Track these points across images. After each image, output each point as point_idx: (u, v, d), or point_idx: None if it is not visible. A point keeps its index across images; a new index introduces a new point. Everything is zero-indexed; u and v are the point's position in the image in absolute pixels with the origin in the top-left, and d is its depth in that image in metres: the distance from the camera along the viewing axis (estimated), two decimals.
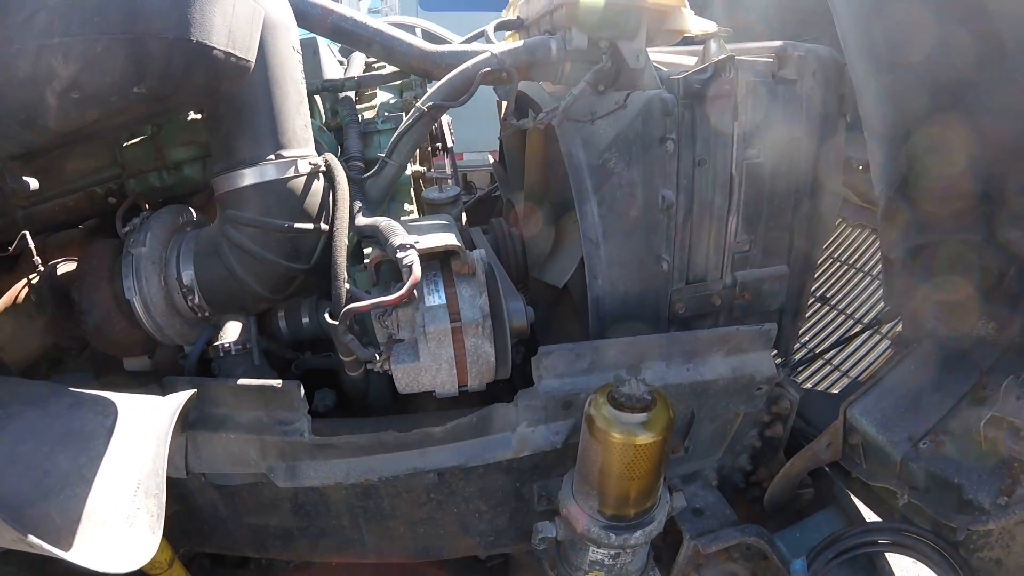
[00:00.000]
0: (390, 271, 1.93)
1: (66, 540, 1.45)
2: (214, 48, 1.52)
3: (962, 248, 2.08)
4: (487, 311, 1.81)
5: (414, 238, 1.76)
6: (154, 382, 2.16)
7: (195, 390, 1.79)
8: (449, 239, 1.80)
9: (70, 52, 1.38)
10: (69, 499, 1.52)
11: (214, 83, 1.65)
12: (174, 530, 2.20)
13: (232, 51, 1.59)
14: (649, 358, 2.06)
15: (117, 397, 1.78)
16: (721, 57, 2.09)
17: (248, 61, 1.69)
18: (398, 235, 1.75)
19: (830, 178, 2.27)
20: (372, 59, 2.46)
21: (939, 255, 2.10)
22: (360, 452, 1.93)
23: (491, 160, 3.17)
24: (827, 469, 2.45)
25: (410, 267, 1.69)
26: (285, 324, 2.15)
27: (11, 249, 2.35)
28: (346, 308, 1.70)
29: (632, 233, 2.08)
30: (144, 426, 1.71)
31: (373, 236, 1.86)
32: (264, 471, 1.98)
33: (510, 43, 2.16)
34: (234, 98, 1.87)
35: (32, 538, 1.36)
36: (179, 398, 1.75)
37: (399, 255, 1.71)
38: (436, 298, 1.80)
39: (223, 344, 2.07)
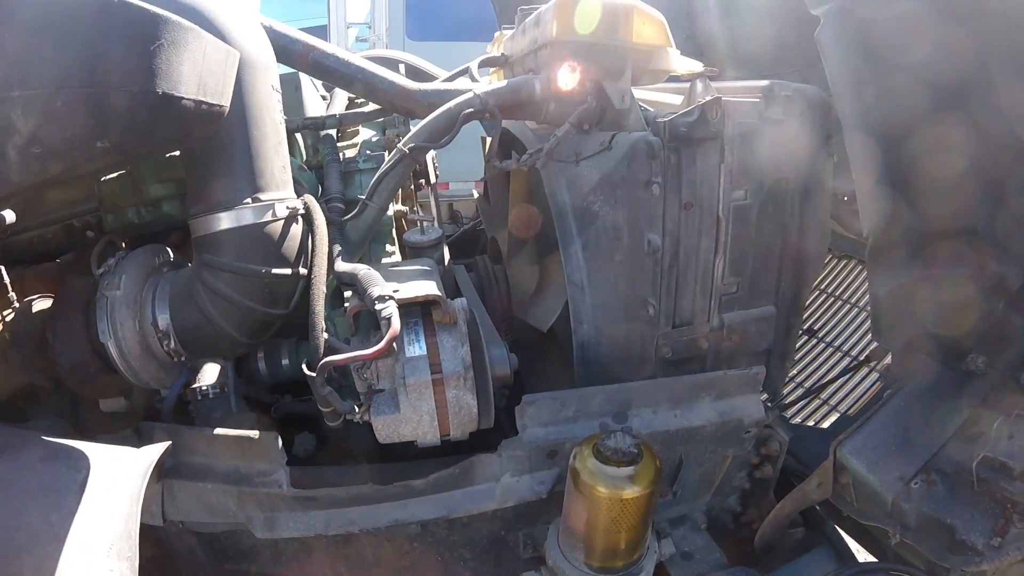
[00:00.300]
0: (370, 318, 1.82)
1: None
2: (183, 98, 1.40)
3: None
4: (469, 362, 1.70)
5: (393, 287, 1.65)
6: (130, 424, 2.05)
7: (169, 443, 1.67)
8: (430, 288, 1.70)
9: (29, 106, 1.26)
10: (41, 558, 1.41)
11: (184, 132, 1.54)
12: (153, 574, 2.08)
13: (203, 99, 1.47)
14: (636, 405, 1.96)
15: (90, 448, 1.67)
16: (708, 99, 1.99)
17: (221, 107, 1.57)
18: (376, 285, 1.64)
19: (817, 218, 2.17)
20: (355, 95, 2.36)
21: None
22: (340, 504, 1.82)
23: (476, 191, 3.07)
24: (818, 508, 2.36)
25: (388, 320, 1.58)
26: (265, 366, 2.04)
27: None
28: (323, 361, 1.59)
29: (617, 277, 1.98)
30: (117, 482, 1.60)
31: (352, 284, 1.75)
32: (242, 521, 1.87)
33: (494, 82, 2.06)
34: (211, 139, 1.75)
35: None
36: (152, 452, 1.63)
37: (378, 307, 1.60)
38: (416, 348, 1.69)
39: (200, 387, 1.96)
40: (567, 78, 1.96)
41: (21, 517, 1.48)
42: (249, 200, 1.77)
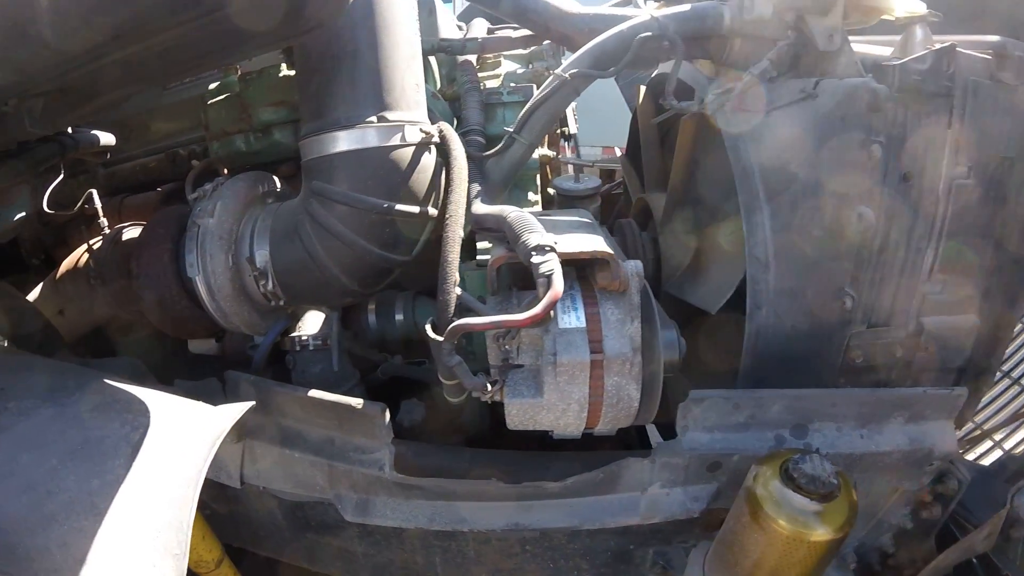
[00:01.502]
0: (510, 274, 1.27)
1: None
2: None
3: None
4: (638, 343, 1.12)
5: (552, 238, 1.10)
6: (219, 372, 1.56)
7: (251, 404, 1.16)
8: (598, 243, 1.12)
9: None
10: (73, 533, 0.97)
11: (294, 9, 1.00)
12: (226, 528, 1.60)
13: None
14: (819, 418, 1.35)
15: (154, 401, 1.17)
16: (940, 46, 1.37)
17: None
18: (534, 232, 1.08)
19: None
20: (496, 25, 1.80)
21: None
22: (450, 497, 1.28)
23: (606, 155, 2.48)
24: (975, 561, 1.74)
25: (548, 278, 1.02)
26: (375, 320, 1.51)
27: (83, 208, 1.78)
28: (456, 323, 1.04)
29: (811, 257, 1.37)
30: (177, 453, 1.10)
31: (496, 229, 1.20)
32: (331, 499, 1.36)
33: (671, 8, 1.47)
34: (330, 43, 1.21)
35: None
36: (226, 416, 1.12)
37: (535, 259, 1.04)
38: (573, 319, 1.12)
39: (300, 337, 1.44)
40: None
41: (55, 479, 1.03)
42: (374, 119, 1.23)
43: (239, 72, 1.66)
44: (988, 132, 1.41)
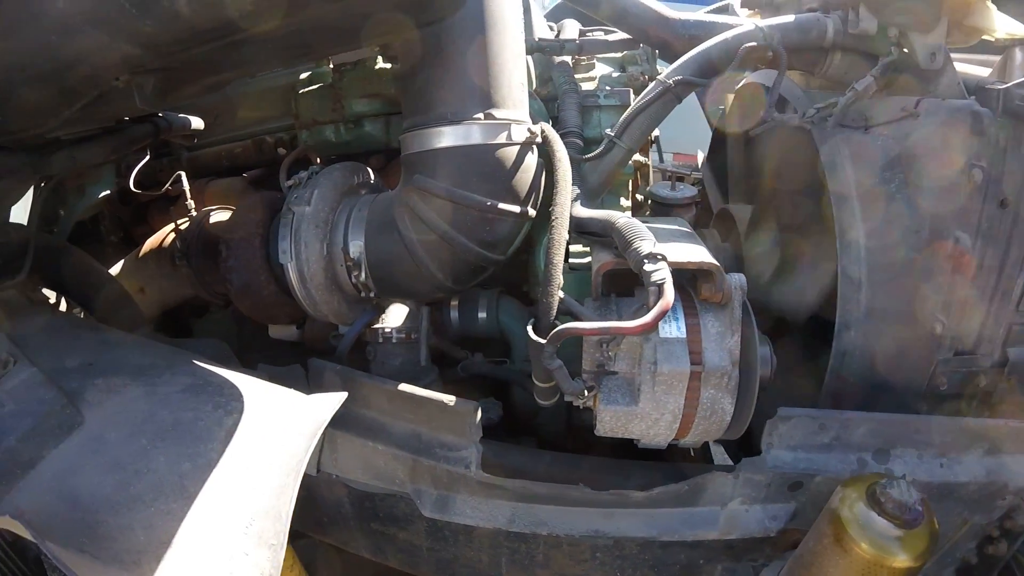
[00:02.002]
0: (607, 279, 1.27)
1: (147, 566, 0.89)
2: None
3: None
4: (736, 357, 1.12)
5: (661, 247, 1.09)
6: (297, 356, 1.58)
7: (345, 394, 1.17)
8: (704, 254, 1.12)
9: None
10: (160, 515, 0.94)
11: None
12: (292, 515, 1.62)
13: None
14: (902, 444, 1.33)
15: (248, 387, 1.16)
16: None
17: None
18: (645, 239, 1.08)
19: None
20: (587, 27, 1.80)
21: None
22: (532, 499, 1.28)
23: (681, 162, 2.46)
24: None
25: (660, 287, 1.02)
26: (457, 316, 1.52)
27: (166, 189, 1.81)
28: (563, 327, 1.04)
29: (905, 279, 1.35)
30: (275, 440, 1.10)
31: (599, 233, 1.20)
32: (409, 493, 1.36)
33: (775, 18, 1.45)
34: (440, 38, 1.22)
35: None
36: (326, 407, 1.12)
37: (647, 267, 1.03)
38: (674, 328, 1.12)
39: (384, 329, 1.46)
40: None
41: (145, 459, 1.01)
42: (480, 116, 1.24)
43: (331, 64, 1.68)
44: None
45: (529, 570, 1.49)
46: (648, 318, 1.01)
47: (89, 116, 1.31)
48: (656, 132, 1.91)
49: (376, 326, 1.44)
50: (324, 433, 1.40)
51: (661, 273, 1.03)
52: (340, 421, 1.39)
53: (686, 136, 2.22)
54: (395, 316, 1.45)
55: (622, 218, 1.14)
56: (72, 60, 0.92)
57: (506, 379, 1.49)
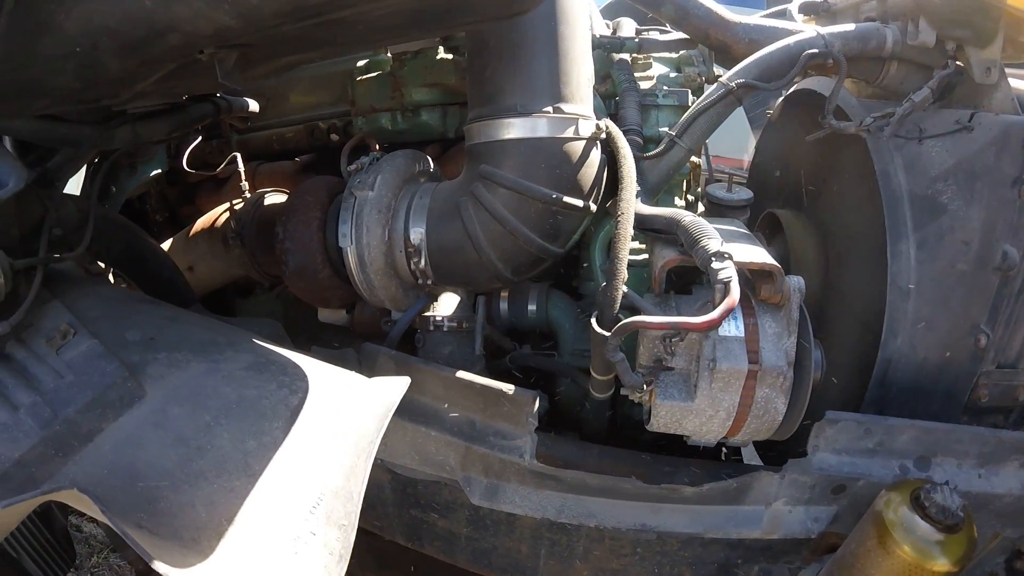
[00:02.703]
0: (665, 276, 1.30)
1: (207, 543, 0.87)
2: None
3: None
4: (792, 358, 1.15)
5: (727, 247, 1.13)
6: (343, 340, 1.61)
7: (408, 380, 1.20)
8: (764, 256, 1.16)
9: None
10: (222, 492, 0.93)
11: None
12: None
13: None
14: (942, 452, 1.37)
15: (312, 368, 1.18)
16: None
17: None
18: (712, 238, 1.11)
19: None
20: (643, 26, 1.83)
21: None
22: (583, 491, 1.32)
23: (732, 165, 2.48)
24: None
25: (727, 285, 1.06)
26: (507, 308, 1.55)
27: (220, 170, 1.85)
28: (629, 320, 1.08)
29: (953, 291, 1.38)
30: (344, 420, 1.12)
31: (663, 231, 1.23)
32: (459, 480, 1.40)
33: (836, 26, 1.49)
34: (512, 30, 1.26)
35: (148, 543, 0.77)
36: (394, 391, 1.15)
37: (714, 265, 1.07)
38: (733, 327, 1.15)
39: (435, 317, 1.49)
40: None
41: (208, 435, 1.00)
42: (549, 109, 1.27)
43: (387, 52, 1.71)
44: None
45: (568, 562, 1.52)
46: (715, 315, 1.04)
47: (161, 90, 1.32)
48: None
49: (427, 314, 1.47)
50: None
51: (728, 272, 1.06)
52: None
53: (725, 140, 2.25)
54: (446, 305, 1.49)
55: (688, 216, 1.18)
56: (164, 27, 0.89)
57: (556, 372, 1.52)
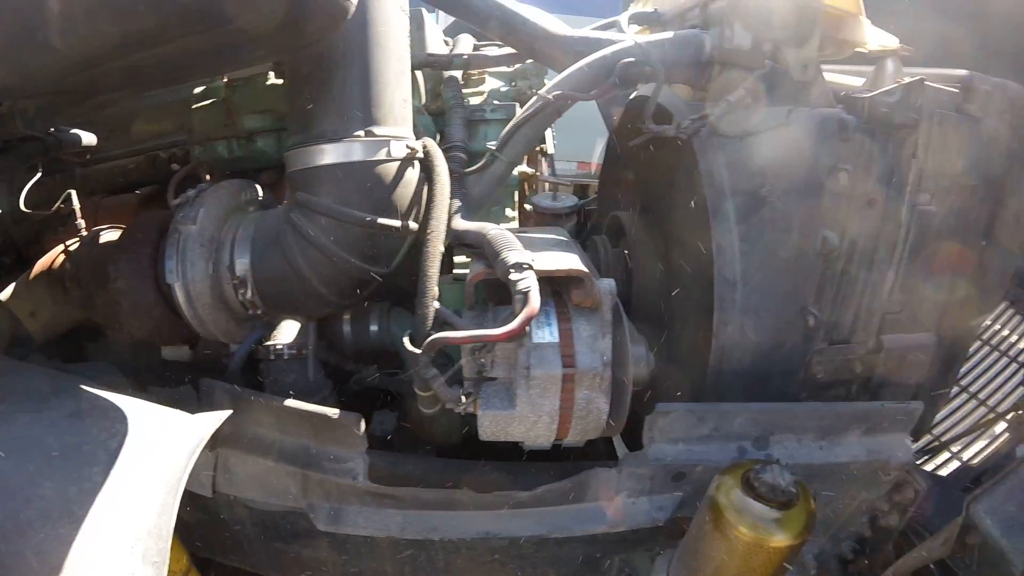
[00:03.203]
0: (485, 289, 1.33)
1: None
2: None
3: None
4: (609, 358, 1.19)
5: (530, 256, 1.15)
6: (192, 377, 1.58)
7: (228, 412, 1.19)
8: (574, 262, 1.19)
9: None
10: (49, 540, 0.97)
11: (297, 18, 1.03)
12: (193, 536, 1.62)
13: None
14: (779, 431, 1.43)
15: (132, 408, 1.19)
16: (909, 79, 1.46)
17: (349, 1, 1.08)
18: (512, 250, 1.14)
19: (1007, 240, 1.62)
20: (482, 42, 1.85)
21: None
22: (423, 506, 1.32)
23: (581, 170, 2.53)
24: (932, 567, 1.84)
25: (526, 295, 1.08)
26: (350, 331, 1.55)
27: (56, 208, 1.79)
28: (434, 337, 1.09)
29: (778, 277, 1.44)
30: (157, 460, 1.13)
31: (475, 245, 1.25)
32: (303, 508, 1.39)
33: (654, 34, 1.53)
34: (323, 55, 1.26)
35: None
36: (206, 425, 1.15)
37: (512, 276, 1.09)
38: (547, 334, 1.18)
39: (275, 346, 1.48)
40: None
41: (34, 486, 1.06)
42: (361, 133, 1.28)
43: (225, 78, 1.69)
44: (952, 162, 1.51)
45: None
46: (513, 325, 1.06)
47: None
48: (552, 147, 1.98)
49: (268, 343, 1.46)
50: (216, 454, 1.43)
51: (526, 282, 1.09)
52: (231, 440, 1.41)
53: (592, 145, 2.31)
54: (287, 332, 1.47)
55: (494, 229, 1.20)
56: None
57: (397, 391, 1.53)
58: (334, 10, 1.07)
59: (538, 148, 1.95)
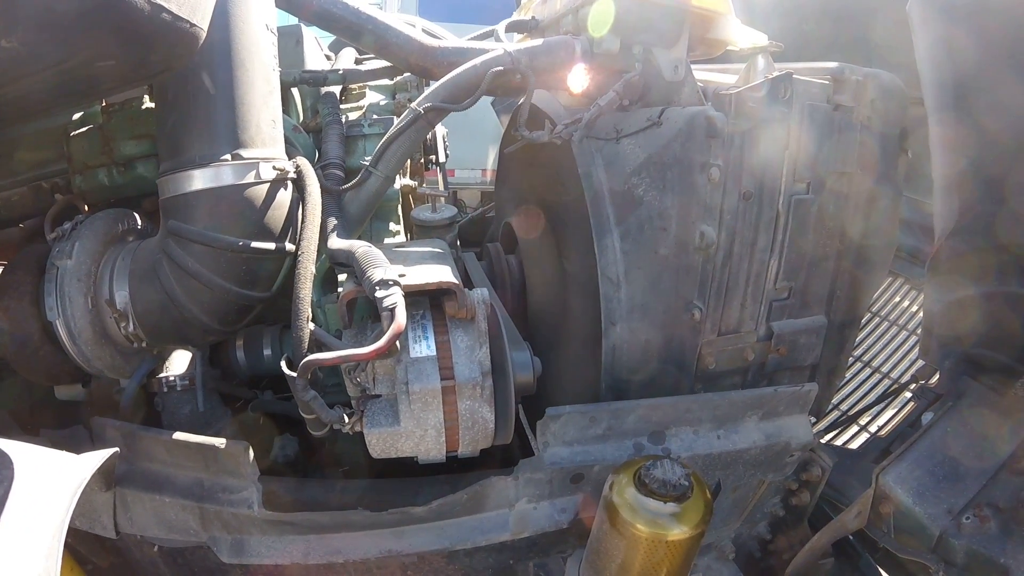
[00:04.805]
0: (367, 306, 1.35)
1: None
2: None
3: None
4: (487, 367, 1.23)
5: (399, 271, 1.18)
6: (87, 416, 1.57)
7: (113, 451, 1.18)
8: (444, 274, 1.22)
9: None
10: None
11: (138, 49, 1.04)
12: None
13: (166, 5, 1.00)
14: (675, 424, 1.49)
15: (16, 453, 1.19)
16: (776, 74, 1.53)
17: (196, 27, 1.09)
18: (378, 267, 1.16)
19: (884, 221, 1.71)
20: (364, 55, 1.86)
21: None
22: (323, 530, 1.34)
23: (486, 178, 2.57)
24: (852, 538, 1.93)
25: (392, 311, 1.11)
26: (243, 356, 1.55)
27: None
28: (306, 360, 1.12)
29: (660, 274, 1.50)
30: (42, 503, 1.13)
31: (348, 264, 1.28)
32: (205, 542, 1.39)
33: (526, 42, 1.58)
34: (185, 81, 1.27)
35: None
36: (85, 465, 1.15)
37: (378, 294, 1.12)
38: (424, 347, 1.21)
39: (167, 378, 1.48)
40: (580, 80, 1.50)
41: None
42: (228, 156, 1.29)
43: (103, 103, 1.67)
44: (826, 150, 1.60)
45: None
46: (381, 342, 1.09)
47: None
48: (444, 156, 2.00)
49: (159, 375, 1.45)
50: (114, 493, 1.42)
51: (392, 298, 1.12)
52: (127, 478, 1.41)
53: (495, 153, 2.34)
54: (178, 363, 1.48)
55: (361, 247, 1.23)
56: None
57: (291, 415, 1.54)
58: (181, 38, 1.08)
59: (427, 158, 1.99)
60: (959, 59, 1.49)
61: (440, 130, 1.97)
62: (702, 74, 1.92)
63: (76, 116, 1.74)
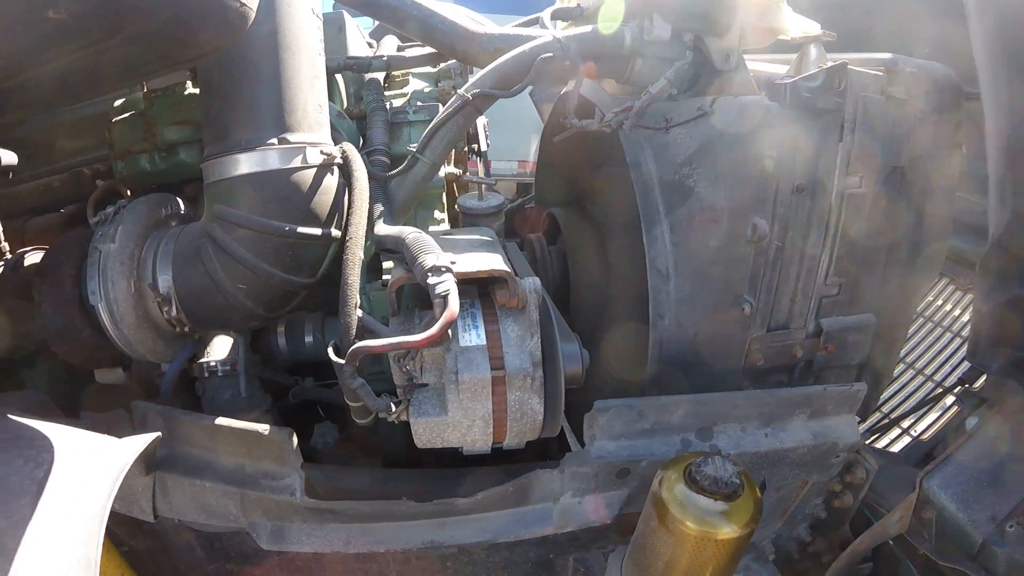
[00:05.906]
0: (414, 293, 1.32)
1: None
2: None
3: None
4: (538, 358, 1.19)
5: (450, 258, 1.15)
6: (128, 400, 1.56)
7: (156, 435, 1.17)
8: (495, 262, 1.19)
9: None
10: None
11: (188, 30, 1.01)
12: (145, 564, 1.60)
13: None
14: (722, 420, 1.45)
15: (58, 436, 1.17)
16: (832, 64, 1.48)
17: (246, 7, 1.07)
18: (430, 253, 1.13)
19: (938, 216, 1.65)
20: (406, 43, 1.84)
21: None
22: (365, 519, 1.32)
23: (523, 169, 2.53)
24: (892, 543, 1.88)
25: (445, 299, 1.08)
26: (284, 343, 1.53)
27: None
28: (356, 346, 1.09)
29: (710, 267, 1.46)
30: (82, 487, 1.11)
31: (396, 250, 1.25)
32: (246, 528, 1.38)
33: (573, 29, 1.54)
34: (232, 64, 1.25)
35: None
36: (129, 450, 1.13)
37: (430, 280, 1.09)
38: (474, 337, 1.18)
39: (208, 363, 1.46)
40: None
41: None
42: (275, 140, 1.26)
43: (145, 89, 1.66)
44: (879, 144, 1.54)
45: None
46: (434, 330, 1.06)
47: None
48: (485, 145, 1.97)
49: (201, 360, 1.44)
50: (154, 477, 1.41)
51: (445, 285, 1.08)
52: (168, 463, 1.39)
53: (531, 144, 2.31)
54: (219, 349, 1.46)
55: (412, 233, 1.20)
56: None
57: (336, 401, 1.52)
58: (230, 18, 1.06)
59: (470, 147, 1.96)
60: (1020, 46, 1.44)
61: (481, 119, 1.94)
62: (752, 64, 1.88)
63: (118, 103, 1.73)
